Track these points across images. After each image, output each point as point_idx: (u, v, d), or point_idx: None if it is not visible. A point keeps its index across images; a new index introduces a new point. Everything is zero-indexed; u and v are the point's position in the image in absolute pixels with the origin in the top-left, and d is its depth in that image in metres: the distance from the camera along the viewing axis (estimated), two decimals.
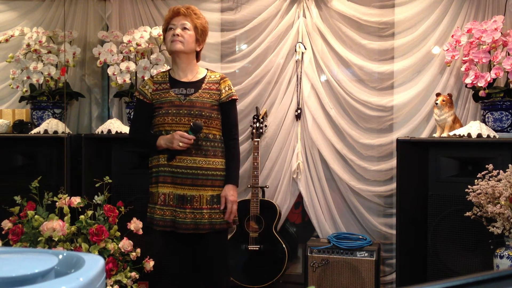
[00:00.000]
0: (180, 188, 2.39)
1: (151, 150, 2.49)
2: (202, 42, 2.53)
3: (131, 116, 3.55)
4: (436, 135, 3.17)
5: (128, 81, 3.48)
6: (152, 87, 2.51)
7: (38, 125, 3.45)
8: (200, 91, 2.45)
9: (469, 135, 2.91)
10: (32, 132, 3.36)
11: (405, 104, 3.48)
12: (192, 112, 2.40)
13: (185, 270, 2.52)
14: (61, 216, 2.66)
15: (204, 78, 2.50)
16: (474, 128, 2.93)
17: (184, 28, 2.44)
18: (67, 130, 3.41)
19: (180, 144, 2.33)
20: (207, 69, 2.59)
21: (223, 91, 2.48)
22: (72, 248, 2.59)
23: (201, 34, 2.49)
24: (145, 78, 3.49)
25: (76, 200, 2.74)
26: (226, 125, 2.50)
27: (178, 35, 2.42)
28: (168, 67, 3.53)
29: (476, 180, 2.64)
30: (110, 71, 3.50)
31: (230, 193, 2.42)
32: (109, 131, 3.33)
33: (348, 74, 3.59)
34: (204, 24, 2.51)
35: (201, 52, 2.59)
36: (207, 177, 2.40)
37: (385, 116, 3.53)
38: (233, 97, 2.51)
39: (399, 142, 3.06)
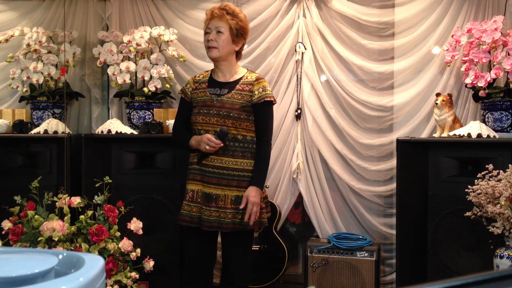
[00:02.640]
0: (207, 186, 2.41)
1: (187, 149, 2.51)
2: (240, 41, 2.47)
3: (130, 116, 3.56)
4: (436, 135, 3.17)
5: (128, 81, 3.48)
6: (192, 86, 2.53)
7: (38, 125, 3.44)
8: (233, 91, 2.42)
9: (469, 135, 2.91)
10: (32, 132, 3.35)
11: (405, 104, 3.48)
12: (220, 112, 2.38)
13: (200, 270, 2.50)
14: (61, 216, 2.66)
15: (240, 78, 2.47)
16: (474, 128, 2.93)
17: (218, 32, 2.39)
18: (67, 130, 3.40)
19: (207, 147, 2.34)
20: (248, 69, 2.55)
21: (256, 92, 2.41)
22: (72, 248, 2.59)
23: (237, 34, 2.42)
24: (145, 78, 3.52)
25: (76, 200, 2.74)
26: (258, 127, 2.45)
27: (212, 40, 2.38)
28: (168, 68, 3.55)
29: (476, 180, 2.63)
30: (110, 71, 3.50)
31: (252, 194, 2.38)
32: (109, 131, 3.33)
33: (348, 74, 3.59)
34: (240, 23, 2.43)
35: (238, 51, 2.52)
36: (233, 178, 2.40)
37: (385, 116, 3.53)
38: (266, 99, 2.42)
39: (399, 142, 3.06)
